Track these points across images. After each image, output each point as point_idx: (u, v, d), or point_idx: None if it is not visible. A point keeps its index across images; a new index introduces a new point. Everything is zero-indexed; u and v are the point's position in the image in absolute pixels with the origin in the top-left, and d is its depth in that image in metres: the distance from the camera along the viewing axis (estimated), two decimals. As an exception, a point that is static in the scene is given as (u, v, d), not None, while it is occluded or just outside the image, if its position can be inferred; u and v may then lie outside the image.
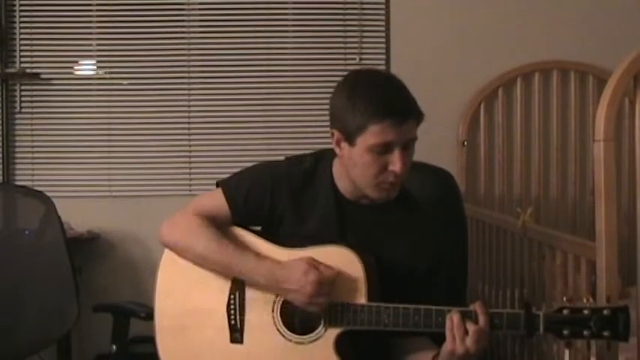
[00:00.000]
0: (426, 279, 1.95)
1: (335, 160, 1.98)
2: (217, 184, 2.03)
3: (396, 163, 1.83)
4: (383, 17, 3.77)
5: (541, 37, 3.76)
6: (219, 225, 1.96)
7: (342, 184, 1.97)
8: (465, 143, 3.72)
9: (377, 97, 1.82)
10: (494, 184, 3.75)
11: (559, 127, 3.76)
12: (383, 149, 1.82)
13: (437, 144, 3.58)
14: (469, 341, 1.73)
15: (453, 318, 1.75)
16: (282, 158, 2.07)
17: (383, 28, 3.77)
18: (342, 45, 3.77)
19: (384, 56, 3.74)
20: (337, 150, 1.91)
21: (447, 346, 1.76)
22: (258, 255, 1.91)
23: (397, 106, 1.81)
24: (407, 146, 1.85)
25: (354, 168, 1.88)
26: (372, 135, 1.80)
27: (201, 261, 1.95)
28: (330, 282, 1.83)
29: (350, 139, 1.84)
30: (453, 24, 3.76)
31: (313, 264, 1.84)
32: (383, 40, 3.76)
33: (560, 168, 3.76)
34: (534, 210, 3.29)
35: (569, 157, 3.76)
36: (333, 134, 1.90)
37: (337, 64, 3.75)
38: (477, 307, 1.76)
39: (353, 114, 1.81)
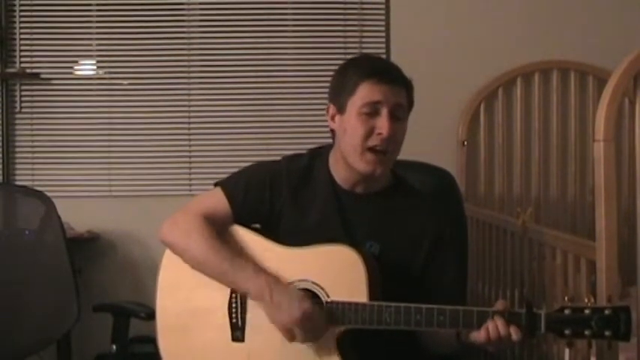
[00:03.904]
0: (426, 269, 1.96)
1: (330, 153, 2.02)
2: (216, 185, 2.04)
3: (382, 126, 1.88)
4: (383, 17, 3.77)
5: (541, 37, 3.75)
6: (219, 224, 1.97)
7: (338, 174, 1.99)
8: (465, 143, 3.71)
9: (366, 64, 1.99)
10: (494, 184, 3.75)
11: (559, 127, 3.76)
12: (371, 110, 1.88)
13: (437, 144, 3.59)
14: (499, 345, 1.75)
15: (498, 324, 1.73)
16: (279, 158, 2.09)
17: (383, 28, 3.77)
18: (342, 45, 3.77)
19: (384, 56, 3.73)
20: (332, 125, 1.98)
21: (477, 341, 1.76)
22: (256, 266, 1.90)
23: (384, 68, 1.97)
24: (396, 115, 1.90)
25: (345, 136, 1.92)
26: (359, 96, 1.89)
27: (195, 264, 1.95)
28: (316, 324, 1.82)
29: (342, 107, 1.93)
30: (453, 24, 3.76)
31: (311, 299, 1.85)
32: (383, 39, 3.76)
33: (560, 168, 3.76)
34: (534, 210, 3.31)
35: (569, 157, 3.76)
36: (328, 111, 1.98)
37: (337, 64, 3.71)
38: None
39: (344, 82, 1.93)
